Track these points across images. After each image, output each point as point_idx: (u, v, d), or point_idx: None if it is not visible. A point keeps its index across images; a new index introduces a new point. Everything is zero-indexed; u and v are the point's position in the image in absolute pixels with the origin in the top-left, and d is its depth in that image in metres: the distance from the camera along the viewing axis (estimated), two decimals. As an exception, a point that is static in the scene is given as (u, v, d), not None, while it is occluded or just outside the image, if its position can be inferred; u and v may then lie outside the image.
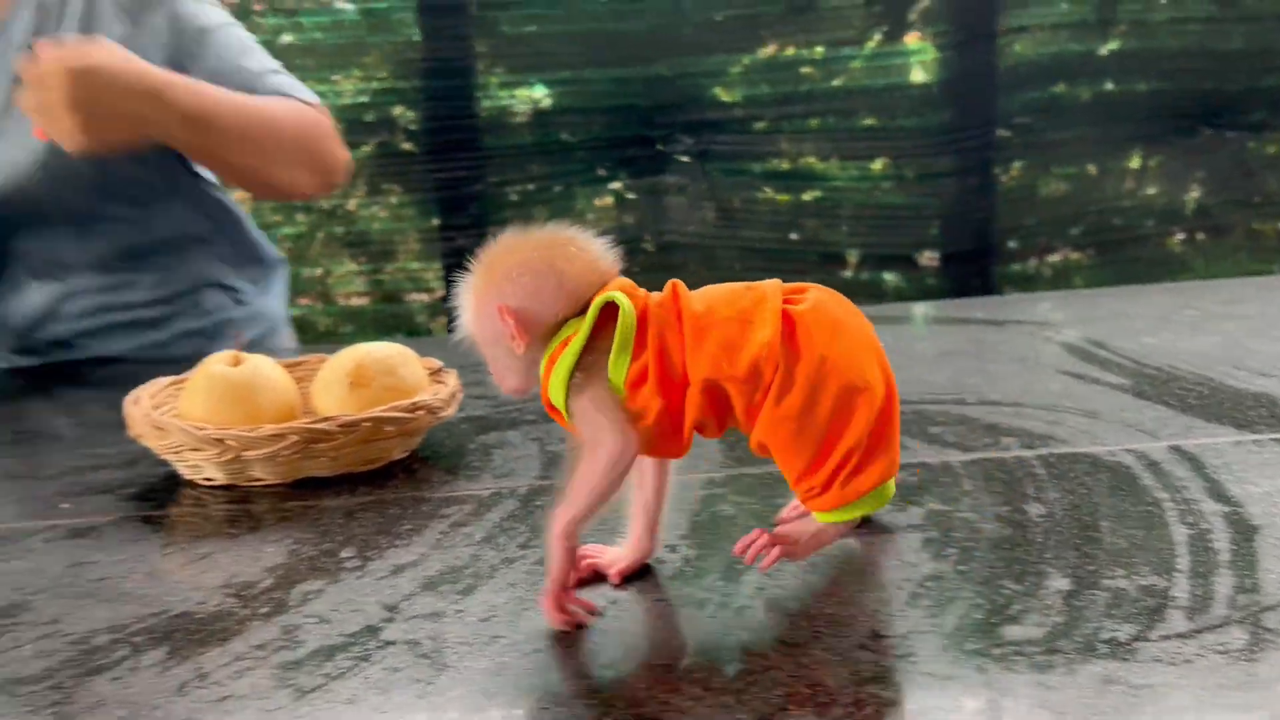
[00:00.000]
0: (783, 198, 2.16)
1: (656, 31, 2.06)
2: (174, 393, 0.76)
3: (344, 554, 0.59)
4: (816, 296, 0.50)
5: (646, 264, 2.20)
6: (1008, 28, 2.03)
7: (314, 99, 1.20)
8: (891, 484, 0.51)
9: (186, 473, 0.71)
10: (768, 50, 2.09)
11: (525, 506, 0.64)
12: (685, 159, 2.15)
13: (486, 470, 0.72)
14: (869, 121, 2.09)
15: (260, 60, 1.20)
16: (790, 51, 2.10)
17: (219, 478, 0.70)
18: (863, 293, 2.16)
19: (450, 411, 0.74)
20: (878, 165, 2.13)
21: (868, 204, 2.13)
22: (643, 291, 0.52)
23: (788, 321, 0.49)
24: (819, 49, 2.09)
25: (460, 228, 2.11)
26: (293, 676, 0.46)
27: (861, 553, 0.55)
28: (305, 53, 1.97)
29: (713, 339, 0.49)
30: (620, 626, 0.49)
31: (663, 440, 0.50)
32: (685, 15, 2.06)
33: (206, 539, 0.63)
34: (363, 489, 0.69)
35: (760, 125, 2.12)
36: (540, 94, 2.10)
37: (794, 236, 2.18)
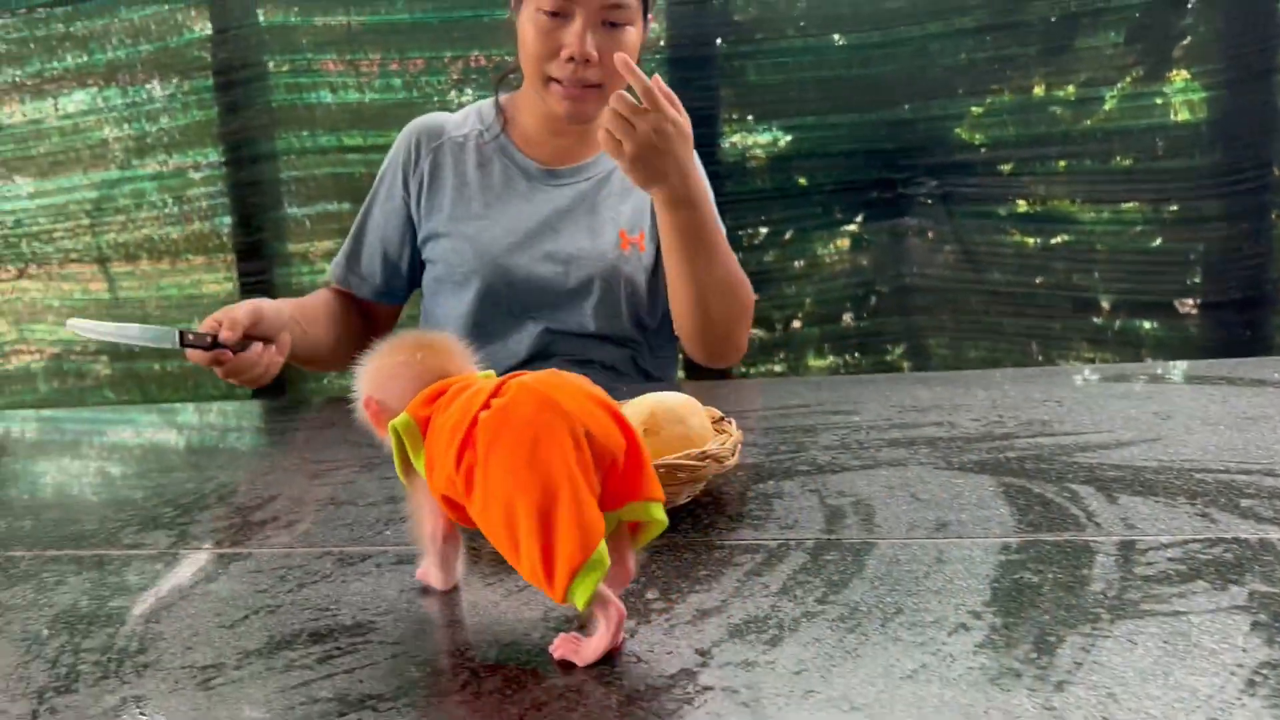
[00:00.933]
0: (1030, 241, 2.09)
1: (903, 75, 2.05)
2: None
3: (649, 595, 0.62)
4: (500, 404, 0.53)
5: (882, 308, 2.18)
6: (1289, 63, 1.89)
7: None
8: (601, 554, 0.51)
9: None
10: (1016, 91, 2.04)
11: (815, 560, 0.66)
12: (927, 201, 2.12)
13: (770, 520, 0.74)
14: (1126, 163, 2.00)
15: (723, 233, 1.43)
16: (1039, 91, 2.04)
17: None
18: (1117, 341, 2.06)
19: (734, 461, 0.77)
20: (1133, 208, 2.03)
21: (1123, 248, 2.03)
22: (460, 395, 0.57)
23: (469, 435, 0.53)
24: (1070, 89, 2.02)
25: (699, 269, 2.16)
26: (630, 712, 0.49)
27: (1184, 632, 0.54)
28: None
29: (434, 457, 0.56)
30: (935, 692, 0.50)
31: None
32: (932, 58, 2.04)
33: (517, 575, 0.67)
34: (653, 532, 0.73)
35: (1006, 167, 2.07)
36: (780, 139, 2.13)
37: (1041, 280, 2.10)
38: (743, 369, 2.22)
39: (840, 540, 0.69)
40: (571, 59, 1.32)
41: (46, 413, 1.66)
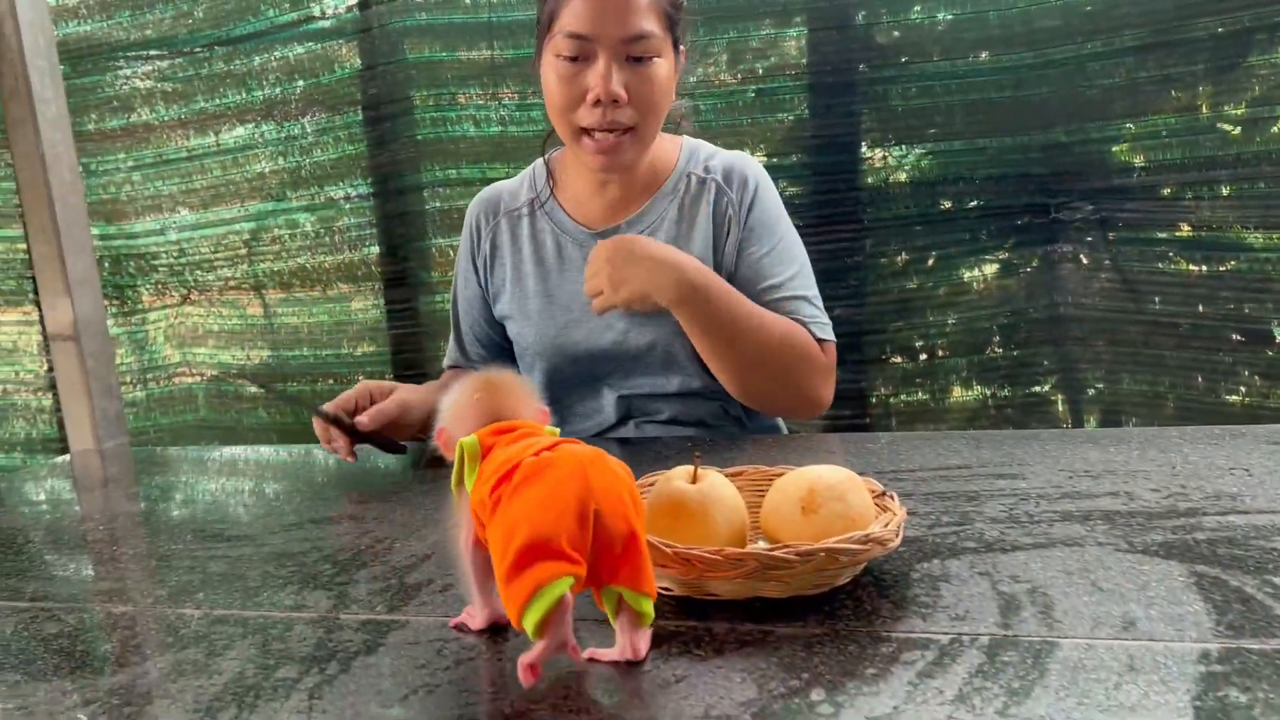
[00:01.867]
0: (1195, 268, 1.97)
1: (1057, 96, 1.96)
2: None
3: (814, 695, 0.60)
4: (545, 458, 0.62)
5: (1033, 338, 2.09)
6: None
7: (826, 334, 1.34)
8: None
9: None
10: (1181, 111, 1.93)
11: (991, 661, 0.62)
12: (1082, 227, 2.02)
13: (938, 609, 0.70)
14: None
15: (792, 277, 1.36)
16: (1206, 111, 1.92)
17: (675, 589, 0.74)
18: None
19: (897, 543, 0.73)
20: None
21: (1298, 277, 1.89)
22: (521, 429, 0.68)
23: (511, 472, 0.62)
24: (1242, 108, 1.89)
25: (839, 298, 2.11)
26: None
27: None
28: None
29: (482, 479, 0.65)
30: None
31: None
32: (1089, 78, 1.94)
33: (677, 658, 0.66)
34: (813, 617, 0.70)
35: (1168, 190, 1.95)
36: (925, 163, 2.07)
37: (1206, 310, 1.98)
38: (885, 396, 2.17)
39: (1018, 638, 0.65)
40: (598, 102, 1.23)
41: (199, 450, 1.73)
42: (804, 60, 2.06)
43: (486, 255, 1.48)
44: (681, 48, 1.33)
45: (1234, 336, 1.97)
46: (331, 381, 2.50)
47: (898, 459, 1.10)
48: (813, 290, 1.37)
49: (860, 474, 0.80)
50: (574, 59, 1.24)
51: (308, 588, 0.84)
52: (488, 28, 2.17)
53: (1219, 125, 1.92)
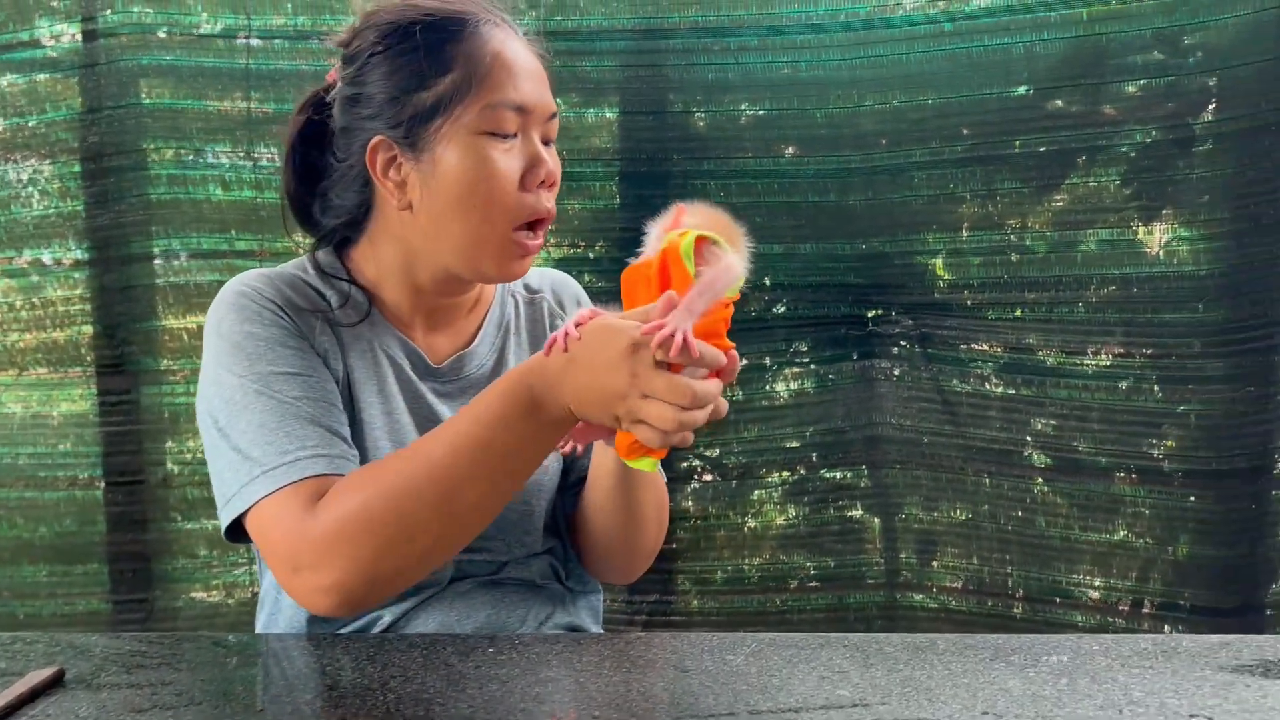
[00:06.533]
0: (1014, 391, 1.88)
1: (881, 204, 1.84)
2: None
3: None
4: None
5: (850, 458, 1.94)
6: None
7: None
8: None
9: None
10: (1004, 229, 1.85)
11: None
12: (901, 342, 1.90)
13: None
14: (1121, 313, 1.81)
15: None
16: (1030, 230, 1.85)
17: None
18: (1105, 509, 1.85)
19: None
20: (1127, 361, 1.84)
21: (1116, 405, 1.84)
22: None
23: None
24: (1062, 230, 1.83)
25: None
26: None
27: None
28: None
29: None
30: None
31: None
32: (915, 188, 1.83)
33: None
34: None
35: (991, 311, 1.86)
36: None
37: (1024, 435, 1.89)
38: (695, 517, 1.95)
39: None
40: (544, 185, 1.03)
41: None
42: (615, 145, 1.85)
43: (324, 350, 1.06)
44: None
45: (1050, 464, 1.89)
46: (23, 487, 2.03)
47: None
48: None
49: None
50: (506, 136, 1.01)
51: None
52: (245, 75, 1.83)
53: (1040, 247, 1.85)
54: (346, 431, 1.02)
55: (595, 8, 1.82)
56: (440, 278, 1.08)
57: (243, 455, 0.96)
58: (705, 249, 0.86)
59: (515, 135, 1.01)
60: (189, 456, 1.99)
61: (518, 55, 1.02)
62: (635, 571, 1.14)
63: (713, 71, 1.81)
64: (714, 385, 0.86)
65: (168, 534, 1.99)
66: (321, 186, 1.09)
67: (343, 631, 1.09)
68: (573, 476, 1.15)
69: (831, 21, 1.78)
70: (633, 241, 1.78)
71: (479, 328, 1.14)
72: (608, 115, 1.85)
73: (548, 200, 1.04)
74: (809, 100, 1.80)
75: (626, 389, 0.85)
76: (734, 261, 0.85)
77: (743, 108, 1.82)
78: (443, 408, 1.10)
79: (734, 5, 1.79)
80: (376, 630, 1.09)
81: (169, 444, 1.97)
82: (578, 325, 0.89)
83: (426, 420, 1.08)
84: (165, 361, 1.96)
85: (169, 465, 1.99)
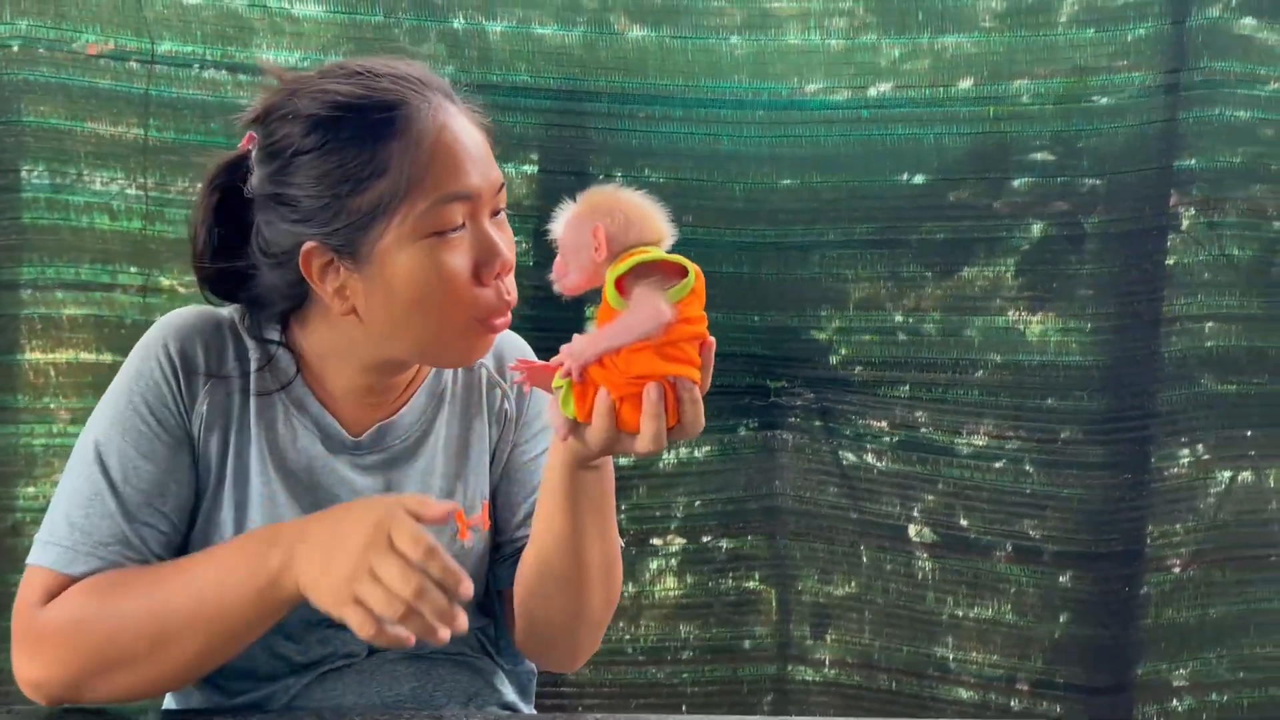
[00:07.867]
0: (908, 468, 1.93)
1: (790, 278, 1.87)
2: None
3: None
4: None
5: (751, 527, 1.94)
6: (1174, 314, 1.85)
7: None
8: None
9: None
10: (903, 310, 1.91)
11: None
12: (803, 414, 1.93)
13: None
14: (1013, 398, 1.89)
15: None
16: (927, 314, 1.91)
17: None
18: (991, 587, 1.90)
19: None
20: (1015, 446, 1.91)
21: (1005, 487, 1.90)
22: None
23: None
24: (957, 315, 1.90)
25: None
26: None
27: None
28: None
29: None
30: None
31: None
32: (823, 265, 1.87)
33: None
34: None
35: (889, 390, 1.91)
36: (653, 332, 1.89)
37: (917, 513, 1.93)
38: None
39: None
40: (499, 273, 0.97)
41: None
42: (533, 202, 1.82)
43: (203, 418, 0.99)
44: None
45: (939, 544, 1.94)
46: None
47: None
48: None
49: None
50: (458, 227, 0.94)
51: None
52: (144, 101, 1.72)
53: (935, 328, 1.92)
54: (161, 528, 0.97)
55: (520, 64, 1.80)
56: (389, 364, 1.03)
57: (53, 504, 0.98)
58: (638, 286, 0.86)
59: (463, 225, 0.95)
60: (43, 503, 1.83)
61: (459, 136, 0.95)
62: (580, 648, 1.08)
63: (636, 138, 1.81)
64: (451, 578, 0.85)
65: (12, 589, 1.81)
66: (242, 266, 0.99)
67: (238, 701, 1.02)
68: (507, 550, 1.10)
69: (753, 99, 1.81)
70: (544, 301, 1.73)
71: (411, 399, 1.08)
72: (526, 171, 1.82)
73: (507, 290, 0.98)
74: (729, 173, 1.82)
75: (355, 566, 0.84)
76: (661, 308, 0.84)
77: (663, 176, 1.83)
78: (364, 481, 1.04)
79: (659, 74, 1.80)
80: (283, 700, 1.01)
81: (23, 486, 1.80)
82: (513, 369, 0.95)
83: (335, 495, 1.02)
84: (24, 398, 1.80)
85: (17, 514, 1.82)
